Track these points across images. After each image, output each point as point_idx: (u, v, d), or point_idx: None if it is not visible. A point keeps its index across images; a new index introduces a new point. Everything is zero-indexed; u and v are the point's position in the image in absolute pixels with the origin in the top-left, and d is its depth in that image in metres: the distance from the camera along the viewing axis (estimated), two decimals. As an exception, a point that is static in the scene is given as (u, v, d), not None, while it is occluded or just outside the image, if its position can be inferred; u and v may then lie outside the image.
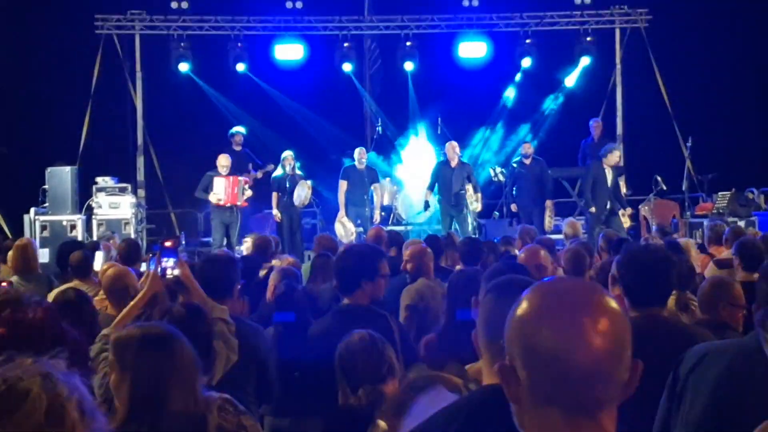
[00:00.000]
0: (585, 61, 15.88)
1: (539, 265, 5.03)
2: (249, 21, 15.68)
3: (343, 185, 13.03)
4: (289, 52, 15.52)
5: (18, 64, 14.21)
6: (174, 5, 15.42)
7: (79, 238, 11.62)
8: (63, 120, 14.80)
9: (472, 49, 15.70)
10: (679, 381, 2.68)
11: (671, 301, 4.63)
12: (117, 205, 12.89)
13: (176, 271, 3.96)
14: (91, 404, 1.54)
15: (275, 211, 12.78)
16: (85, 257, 6.27)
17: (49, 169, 12.69)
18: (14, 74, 14.19)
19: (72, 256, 6.20)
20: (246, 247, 9.19)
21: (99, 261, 6.63)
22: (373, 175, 13.23)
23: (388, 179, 14.28)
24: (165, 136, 15.63)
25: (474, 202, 12.47)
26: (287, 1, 15.44)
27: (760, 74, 14.95)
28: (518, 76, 16.05)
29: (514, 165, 13.58)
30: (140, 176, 15.68)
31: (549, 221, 13.16)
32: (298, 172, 12.85)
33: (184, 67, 15.32)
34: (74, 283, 5.63)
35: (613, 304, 1.46)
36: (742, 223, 11.33)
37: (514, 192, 13.45)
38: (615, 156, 12.12)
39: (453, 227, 12.28)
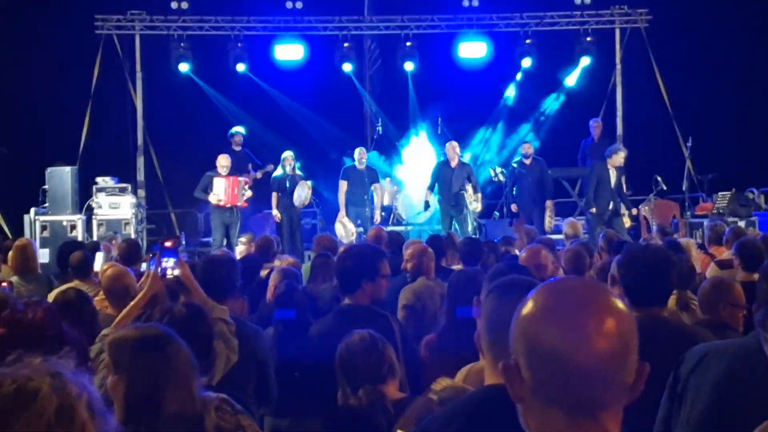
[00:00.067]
0: (585, 61, 15.88)
1: (540, 264, 5.04)
2: (249, 21, 15.68)
3: (343, 185, 13.01)
4: (289, 52, 15.51)
5: (18, 64, 14.19)
6: (174, 5, 15.41)
7: (79, 239, 11.61)
8: (63, 120, 14.79)
9: (472, 49, 15.69)
10: (680, 381, 2.68)
11: (672, 301, 4.64)
12: (117, 206, 12.88)
13: (176, 272, 3.96)
14: (101, 404, 1.53)
15: (275, 212, 12.76)
16: (86, 257, 6.27)
17: (49, 169, 12.68)
18: (14, 74, 14.17)
19: (72, 256, 6.21)
20: (240, 250, 9.18)
21: (99, 261, 6.63)
22: (374, 175, 13.22)
23: (388, 179, 14.27)
24: (165, 136, 15.62)
25: (474, 202, 12.46)
26: (287, 1, 15.43)
27: (760, 74, 14.92)
28: (518, 76, 16.05)
29: (514, 165, 13.57)
30: (140, 176, 15.67)
31: (549, 221, 13.15)
32: (298, 172, 12.83)
33: (184, 67, 15.31)
34: (74, 284, 5.63)
35: (620, 305, 1.44)
36: (742, 223, 11.34)
37: (514, 192, 13.45)
38: (620, 157, 12.02)
39: (453, 227, 12.27)
